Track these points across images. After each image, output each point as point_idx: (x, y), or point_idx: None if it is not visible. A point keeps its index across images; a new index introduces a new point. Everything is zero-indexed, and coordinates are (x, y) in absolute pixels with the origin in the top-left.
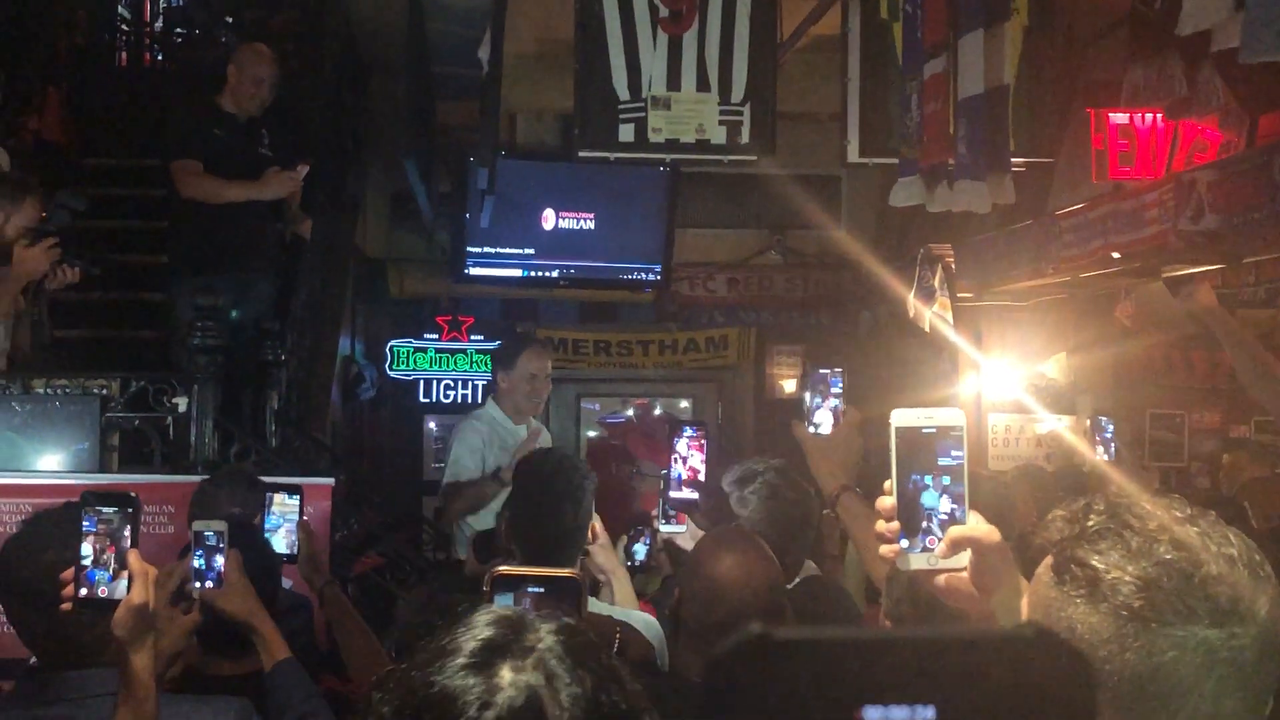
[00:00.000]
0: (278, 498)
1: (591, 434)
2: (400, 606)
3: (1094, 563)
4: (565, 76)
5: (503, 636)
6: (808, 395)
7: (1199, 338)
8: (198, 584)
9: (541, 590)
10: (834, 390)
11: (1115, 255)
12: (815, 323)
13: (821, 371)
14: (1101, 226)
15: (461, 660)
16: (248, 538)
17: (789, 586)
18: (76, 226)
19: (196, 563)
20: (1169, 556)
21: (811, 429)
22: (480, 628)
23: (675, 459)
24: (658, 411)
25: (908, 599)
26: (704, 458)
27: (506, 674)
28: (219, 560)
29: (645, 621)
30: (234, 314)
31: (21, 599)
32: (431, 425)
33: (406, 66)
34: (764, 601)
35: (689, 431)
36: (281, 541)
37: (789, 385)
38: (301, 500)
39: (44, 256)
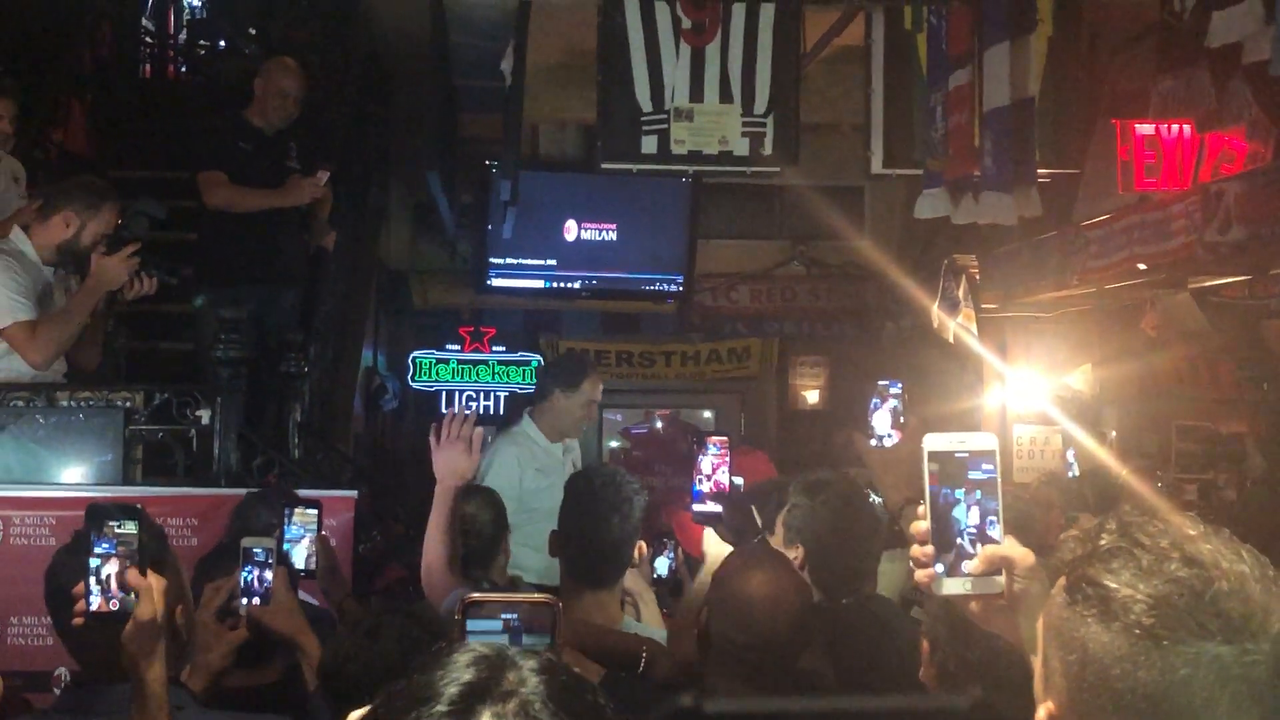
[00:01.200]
0: (297, 511)
1: (614, 445)
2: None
3: (1106, 582)
4: (588, 88)
5: (482, 680)
6: (870, 406)
7: (1224, 349)
8: (245, 600)
9: (515, 616)
10: (894, 398)
11: (1141, 266)
12: (838, 334)
13: (882, 382)
14: (1127, 238)
15: (441, 708)
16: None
17: (846, 602)
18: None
19: (244, 579)
20: (1181, 574)
21: (874, 441)
22: (460, 669)
23: (699, 472)
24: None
25: (944, 619)
26: (728, 470)
27: (485, 713)
28: (267, 576)
29: (662, 638)
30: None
31: (69, 611)
32: None
33: (429, 79)
34: (792, 622)
35: (713, 447)
36: (300, 555)
37: (812, 396)
38: (320, 514)
39: (123, 266)
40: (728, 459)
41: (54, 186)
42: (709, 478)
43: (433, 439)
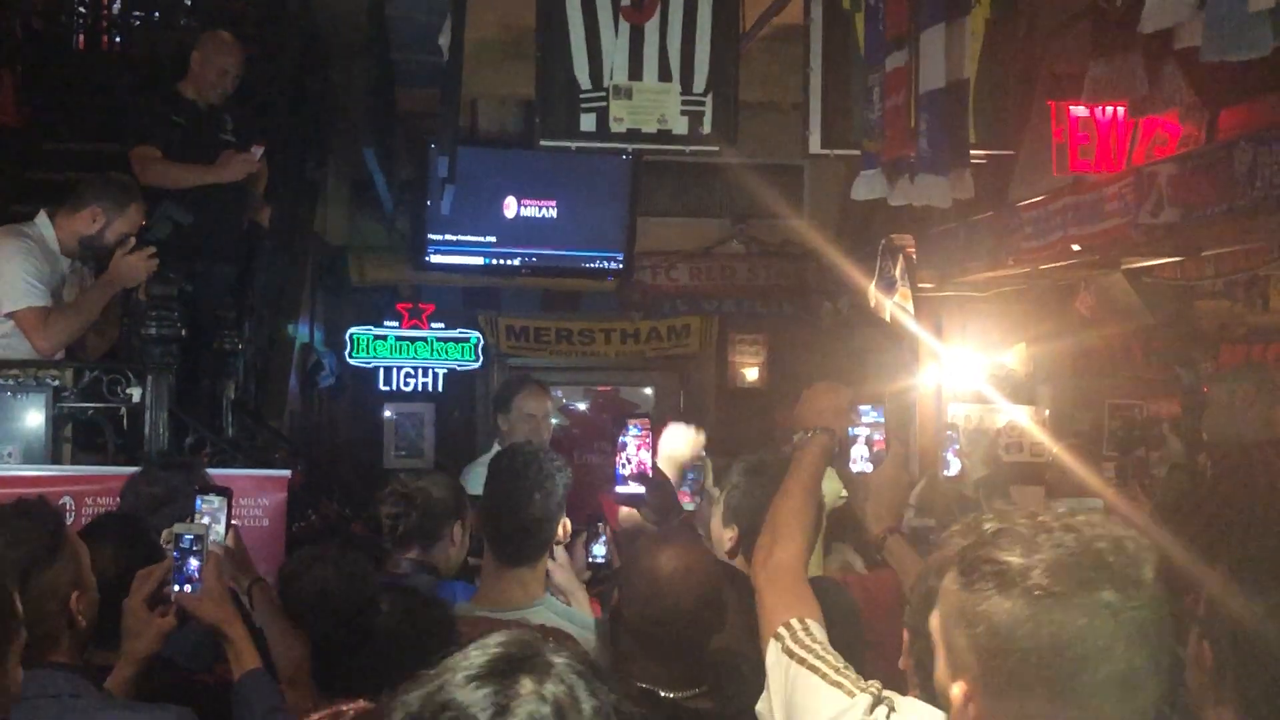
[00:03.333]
0: (204, 498)
1: (553, 422)
2: None
3: (1000, 557)
4: (527, 63)
5: (520, 651)
6: (849, 435)
7: (1157, 329)
8: (175, 587)
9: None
10: (867, 423)
11: (1075, 247)
12: (777, 312)
13: (862, 408)
14: (1061, 219)
15: (473, 672)
16: (134, 532)
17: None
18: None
19: (175, 565)
20: (1065, 539)
21: (853, 466)
22: (493, 644)
23: (621, 453)
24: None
25: (923, 611)
26: (650, 452)
27: (528, 684)
28: (193, 564)
29: (583, 621)
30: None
31: None
32: (390, 414)
33: (366, 53)
34: (703, 599)
35: (634, 428)
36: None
37: (751, 374)
38: (230, 499)
39: (143, 266)
40: (649, 440)
41: (85, 180)
42: (631, 459)
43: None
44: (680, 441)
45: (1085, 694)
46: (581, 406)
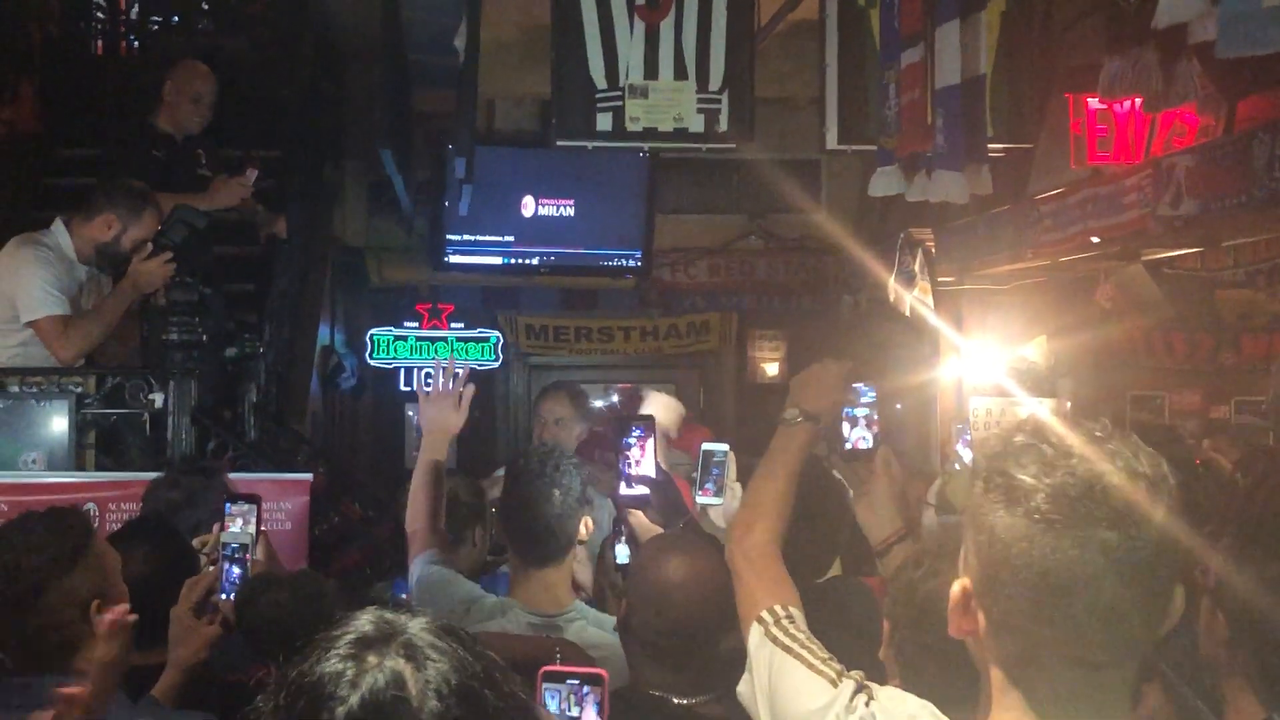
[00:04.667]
0: (233, 504)
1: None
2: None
3: (1014, 473)
4: (544, 63)
5: (375, 629)
6: (843, 413)
7: (1179, 320)
8: (222, 595)
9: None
10: (864, 403)
11: (1095, 240)
12: (797, 307)
13: (855, 386)
14: (1080, 211)
15: (337, 651)
16: (166, 536)
17: (820, 581)
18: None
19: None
20: (1078, 468)
21: (846, 445)
22: (358, 623)
23: (625, 456)
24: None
25: (904, 601)
26: (654, 453)
27: (372, 658)
28: (236, 572)
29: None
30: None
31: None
32: (412, 414)
33: (382, 54)
34: (712, 605)
35: (637, 429)
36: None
37: (771, 369)
38: (259, 506)
39: (161, 272)
40: (653, 440)
41: (100, 187)
42: (635, 461)
43: (421, 390)
44: (658, 409)
45: (1066, 620)
46: (598, 404)
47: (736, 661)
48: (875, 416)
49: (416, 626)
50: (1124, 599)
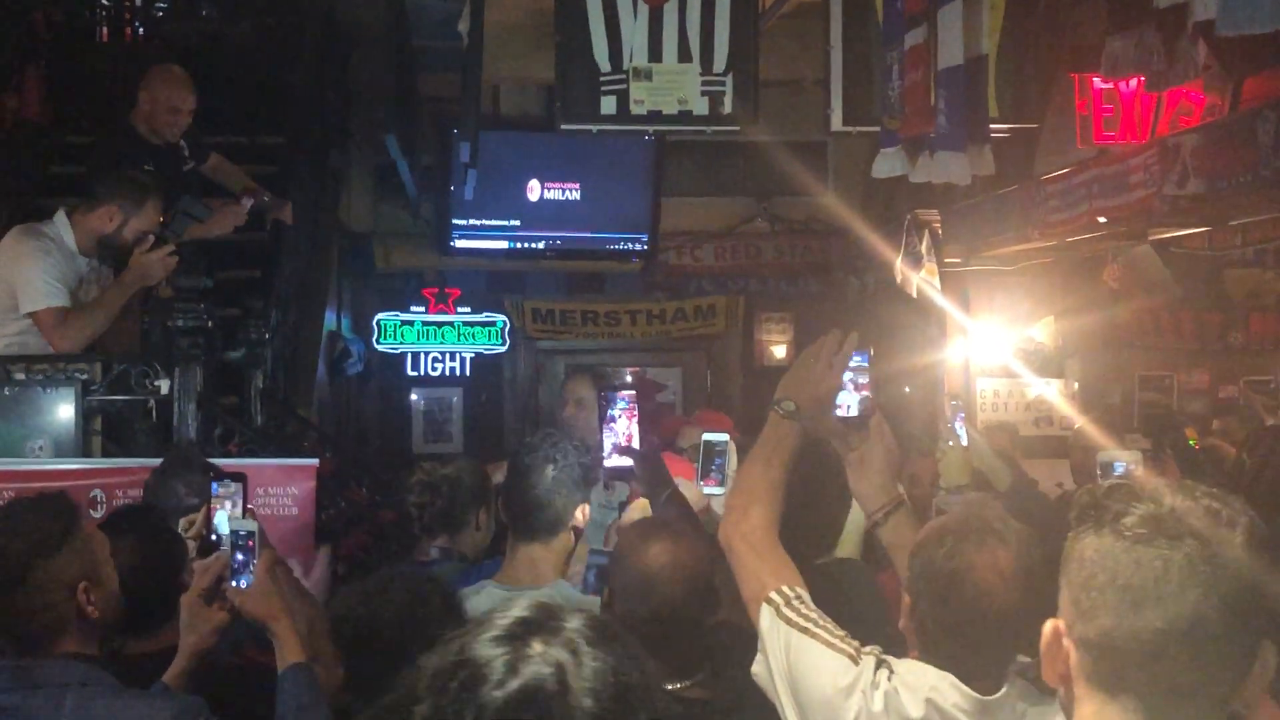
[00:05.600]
0: (220, 483)
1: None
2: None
3: (1106, 504)
4: (548, 47)
5: (536, 616)
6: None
7: (1187, 299)
8: (231, 582)
9: None
10: (855, 367)
11: (1101, 219)
12: (803, 290)
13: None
14: (1087, 191)
15: (494, 633)
16: (151, 523)
17: (820, 562)
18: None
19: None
20: (1164, 499)
21: (839, 412)
22: (517, 609)
23: (608, 426)
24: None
25: (926, 575)
26: (637, 424)
27: (537, 646)
28: (240, 558)
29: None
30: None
31: None
32: (418, 399)
33: (387, 39)
34: (694, 589)
35: (621, 400)
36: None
37: (779, 352)
38: (245, 485)
39: (162, 264)
40: (637, 412)
41: (102, 179)
42: (619, 432)
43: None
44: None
45: (1152, 635)
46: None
47: (720, 643)
48: (864, 381)
49: (578, 621)
50: (1207, 616)
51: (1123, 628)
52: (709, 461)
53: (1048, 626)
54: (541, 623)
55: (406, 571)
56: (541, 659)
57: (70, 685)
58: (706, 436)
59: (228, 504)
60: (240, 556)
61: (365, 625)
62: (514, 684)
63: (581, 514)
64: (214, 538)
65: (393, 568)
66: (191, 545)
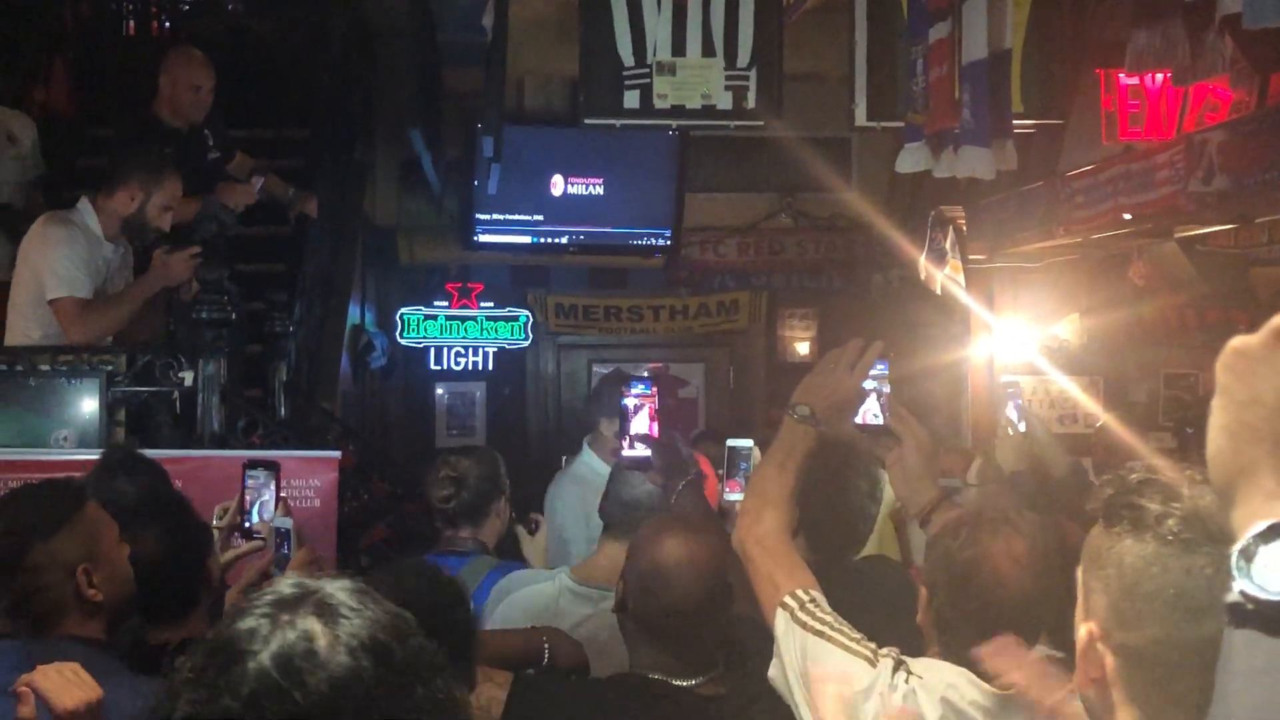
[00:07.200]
0: (251, 472)
1: None
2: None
3: (1140, 503)
4: (572, 42)
5: (292, 592)
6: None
7: (1212, 297)
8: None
9: None
10: (873, 375)
11: (1127, 216)
12: (827, 286)
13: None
14: (1112, 188)
15: (248, 615)
16: (177, 513)
17: (854, 560)
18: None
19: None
20: (1204, 494)
21: (858, 421)
22: (278, 586)
23: (626, 416)
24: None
25: (943, 567)
26: (655, 414)
27: (286, 616)
28: (283, 552)
29: None
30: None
31: None
32: (441, 392)
33: (412, 34)
34: (709, 584)
35: (640, 385)
36: (255, 516)
37: (802, 348)
38: (278, 474)
39: (185, 266)
40: (655, 401)
41: (116, 161)
42: (636, 419)
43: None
44: None
45: (1205, 643)
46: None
47: (735, 640)
48: (886, 390)
49: (333, 587)
50: None
51: (1175, 637)
52: (734, 466)
53: (1082, 631)
54: (296, 596)
55: (420, 561)
56: (291, 625)
57: None
58: (730, 442)
59: (262, 492)
60: (283, 549)
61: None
62: (265, 655)
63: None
64: (246, 525)
65: (411, 558)
66: (218, 535)
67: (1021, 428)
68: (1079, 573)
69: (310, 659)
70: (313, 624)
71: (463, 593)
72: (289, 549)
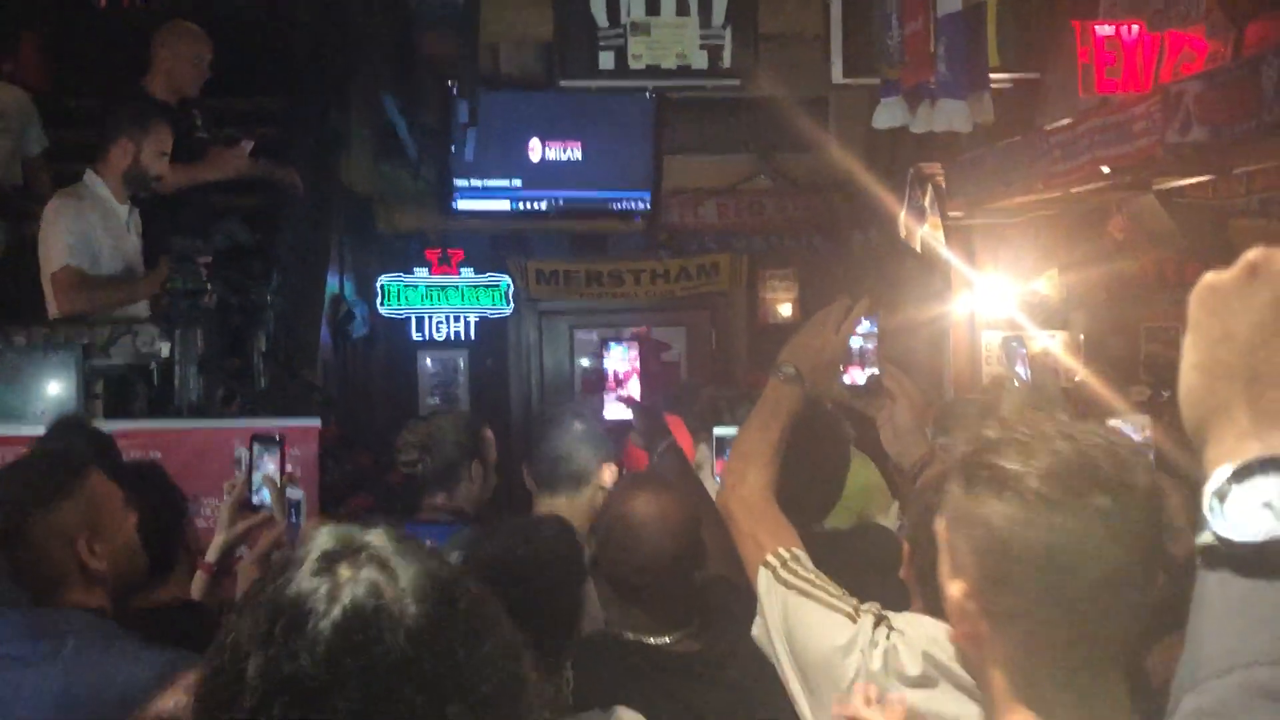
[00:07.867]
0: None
1: (585, 363)
2: None
3: (999, 463)
4: (546, 4)
5: (337, 544)
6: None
7: (1192, 251)
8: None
9: None
10: (863, 333)
11: (1104, 169)
12: (808, 246)
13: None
14: (1090, 141)
15: (303, 571)
16: (149, 479)
17: (848, 528)
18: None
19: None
20: (1060, 448)
21: (845, 381)
22: (318, 541)
23: (607, 377)
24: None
25: (925, 525)
26: (638, 376)
27: (346, 571)
28: (270, 468)
29: None
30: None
31: None
32: (424, 361)
33: None
34: (680, 541)
35: (621, 345)
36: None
37: (784, 309)
38: (283, 446)
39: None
40: (636, 363)
41: (101, 124)
42: (617, 384)
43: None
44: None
45: (1076, 596)
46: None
47: (708, 596)
48: (871, 347)
49: (375, 537)
50: (1125, 565)
51: (1046, 595)
52: (722, 452)
53: (954, 589)
54: (344, 549)
55: (543, 516)
56: (354, 581)
57: (68, 634)
58: (718, 431)
59: (266, 463)
60: (290, 522)
61: (531, 563)
62: (336, 611)
63: (609, 474)
64: (253, 498)
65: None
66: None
67: (1025, 379)
68: (939, 527)
69: (381, 613)
70: (375, 575)
71: (578, 545)
72: (298, 519)
